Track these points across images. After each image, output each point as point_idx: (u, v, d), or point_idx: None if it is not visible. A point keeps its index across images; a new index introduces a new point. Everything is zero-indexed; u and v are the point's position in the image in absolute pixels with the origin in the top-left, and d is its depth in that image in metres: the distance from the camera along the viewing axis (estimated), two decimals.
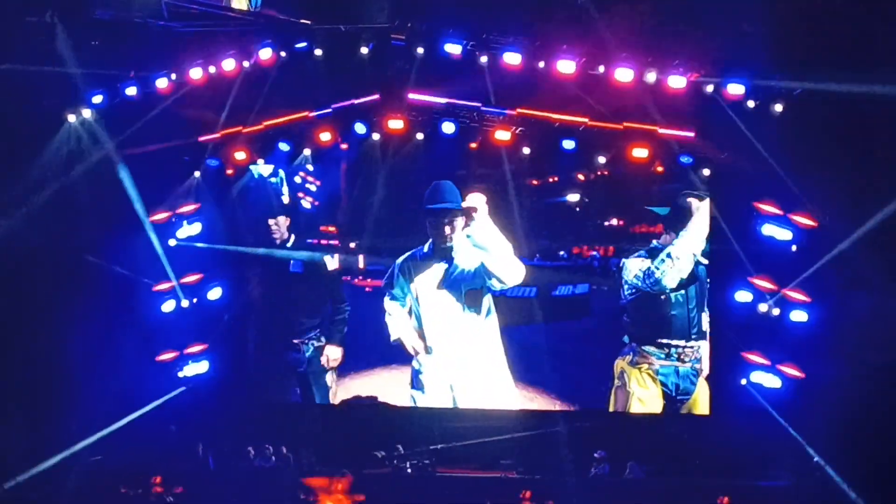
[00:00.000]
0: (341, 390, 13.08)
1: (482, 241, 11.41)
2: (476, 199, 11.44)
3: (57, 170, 12.21)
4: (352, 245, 13.19)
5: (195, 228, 13.02)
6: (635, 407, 12.26)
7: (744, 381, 12.02)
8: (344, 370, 13.12)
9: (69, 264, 12.21)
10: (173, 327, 12.86)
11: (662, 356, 12.30)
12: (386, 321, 12.55)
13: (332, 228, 13.28)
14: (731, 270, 12.14)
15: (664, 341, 12.24)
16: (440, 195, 11.81)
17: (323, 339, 13.12)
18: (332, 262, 13.13)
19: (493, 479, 11.73)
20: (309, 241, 13.25)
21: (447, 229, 11.90)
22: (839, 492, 10.81)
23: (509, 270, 11.60)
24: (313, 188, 13.30)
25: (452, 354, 12.21)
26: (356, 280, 13.13)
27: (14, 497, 11.04)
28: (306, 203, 13.36)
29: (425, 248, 12.21)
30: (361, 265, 13.13)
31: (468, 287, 12.03)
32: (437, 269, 12.12)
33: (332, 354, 13.08)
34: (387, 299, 12.54)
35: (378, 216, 12.93)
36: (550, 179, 12.93)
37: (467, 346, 12.16)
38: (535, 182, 12.87)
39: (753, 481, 11.39)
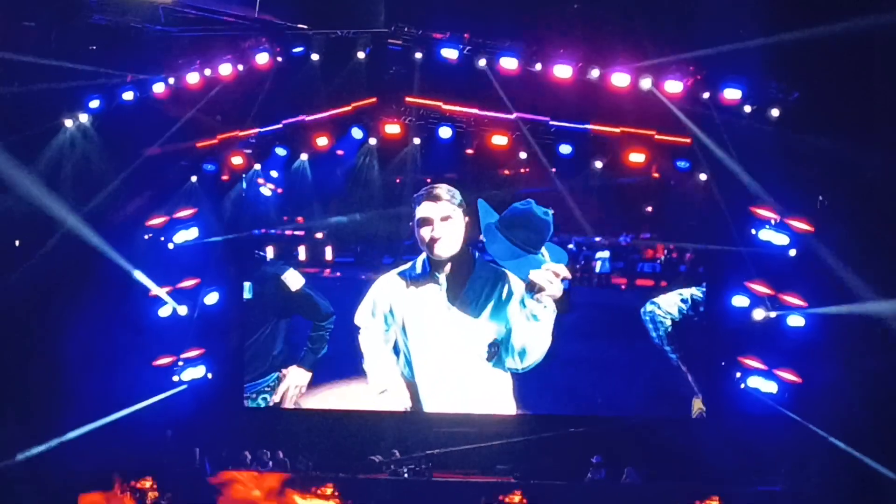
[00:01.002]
0: (311, 401, 12.05)
1: (533, 324, 9.80)
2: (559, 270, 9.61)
3: (55, 174, 12.21)
4: (318, 235, 12.26)
5: (192, 233, 12.99)
6: None
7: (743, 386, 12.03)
8: (315, 382, 11.95)
9: (68, 266, 12.20)
10: (171, 332, 12.81)
11: None
12: (364, 367, 11.14)
13: (298, 219, 12.58)
14: (727, 275, 12.17)
15: None
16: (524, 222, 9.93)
17: (284, 372, 11.67)
18: (295, 281, 11.78)
19: (490, 483, 11.68)
20: (273, 231, 12.37)
21: (425, 232, 10.51)
22: (837, 495, 10.80)
23: (532, 360, 10.35)
24: (275, 174, 12.62)
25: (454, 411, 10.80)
26: (325, 272, 12.19)
27: (11, 498, 11.02)
28: (266, 190, 12.64)
29: (418, 267, 11.09)
30: (329, 257, 12.13)
31: (495, 336, 10.47)
32: (436, 296, 10.91)
33: (296, 380, 11.64)
34: (362, 335, 11.05)
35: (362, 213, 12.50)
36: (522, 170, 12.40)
37: (476, 403, 10.82)
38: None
39: (749, 486, 11.39)
